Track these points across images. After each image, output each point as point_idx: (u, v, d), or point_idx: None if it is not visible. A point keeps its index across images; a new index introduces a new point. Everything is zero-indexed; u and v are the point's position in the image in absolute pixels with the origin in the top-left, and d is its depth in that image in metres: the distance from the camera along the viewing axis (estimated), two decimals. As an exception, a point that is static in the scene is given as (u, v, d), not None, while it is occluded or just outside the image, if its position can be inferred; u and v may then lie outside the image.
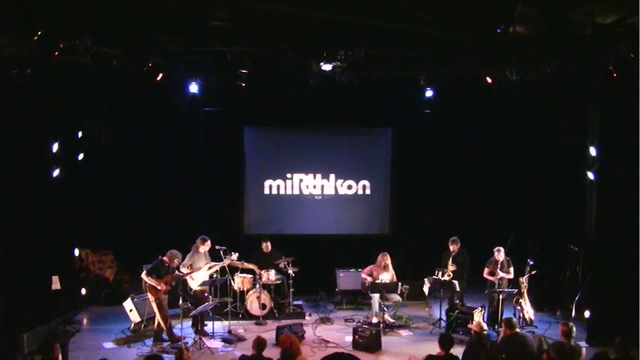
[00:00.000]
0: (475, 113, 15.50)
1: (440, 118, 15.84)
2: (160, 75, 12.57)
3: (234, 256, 12.67)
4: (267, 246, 14.33)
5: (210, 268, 12.56)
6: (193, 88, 13.46)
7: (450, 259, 13.21)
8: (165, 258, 11.74)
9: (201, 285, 12.48)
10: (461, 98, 14.79)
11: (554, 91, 13.10)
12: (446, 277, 13.06)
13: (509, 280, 12.80)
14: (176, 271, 11.80)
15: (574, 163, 13.08)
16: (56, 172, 12.56)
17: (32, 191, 11.57)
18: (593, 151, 12.02)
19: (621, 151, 11.44)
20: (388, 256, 13.30)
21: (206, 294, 12.75)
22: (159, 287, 11.56)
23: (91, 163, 14.16)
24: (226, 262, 12.56)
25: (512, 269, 12.79)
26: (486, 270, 12.91)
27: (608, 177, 11.74)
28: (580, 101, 12.64)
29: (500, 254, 12.67)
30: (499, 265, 12.61)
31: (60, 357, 8.18)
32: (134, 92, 13.82)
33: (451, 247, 13.31)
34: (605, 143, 11.78)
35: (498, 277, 12.56)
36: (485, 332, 9.59)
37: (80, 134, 13.59)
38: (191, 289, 12.30)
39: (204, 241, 12.52)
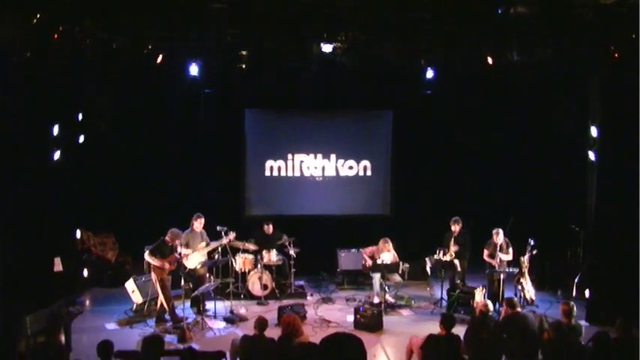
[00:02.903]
0: (476, 94, 15.47)
1: (441, 99, 15.81)
2: (160, 57, 12.54)
3: (232, 235, 12.69)
4: (268, 228, 14.35)
5: (206, 246, 12.59)
6: (193, 70, 13.45)
7: (452, 239, 13.23)
8: (167, 238, 11.75)
9: (202, 265, 12.52)
10: (462, 79, 14.75)
11: (555, 72, 13.06)
12: (447, 257, 13.09)
13: (509, 260, 12.83)
14: (174, 253, 11.81)
15: (575, 143, 13.06)
16: (57, 155, 12.54)
17: (33, 174, 11.55)
18: (594, 131, 12.01)
19: (622, 131, 11.42)
20: (390, 242, 13.29)
21: (207, 274, 12.82)
22: (163, 267, 11.59)
23: (91, 146, 14.12)
24: (224, 241, 12.59)
25: (511, 250, 12.82)
26: (486, 252, 12.93)
27: (609, 157, 11.74)
28: (581, 82, 12.60)
29: (498, 236, 12.68)
30: (498, 248, 12.63)
31: (63, 338, 8.21)
32: (134, 74, 13.79)
33: (453, 228, 13.32)
34: (606, 123, 11.77)
35: (498, 259, 12.59)
36: (490, 312, 9.61)
37: (80, 117, 13.54)
38: (186, 268, 12.30)
39: (197, 218, 12.60)
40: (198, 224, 12.61)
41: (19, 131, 11.04)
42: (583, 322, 11.18)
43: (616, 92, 11.57)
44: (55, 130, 12.42)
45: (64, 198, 12.91)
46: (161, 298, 11.74)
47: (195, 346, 10.19)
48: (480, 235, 13.32)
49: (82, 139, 13.64)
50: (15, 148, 10.93)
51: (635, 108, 10.70)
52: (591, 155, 12.19)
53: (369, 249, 13.57)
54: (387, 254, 13.15)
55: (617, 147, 11.60)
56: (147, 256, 11.76)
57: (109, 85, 14.04)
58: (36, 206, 11.61)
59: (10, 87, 10.70)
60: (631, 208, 11.12)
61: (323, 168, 16.56)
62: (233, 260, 13.27)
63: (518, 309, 9.65)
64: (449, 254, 13.13)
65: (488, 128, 15.92)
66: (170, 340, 10.74)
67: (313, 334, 10.76)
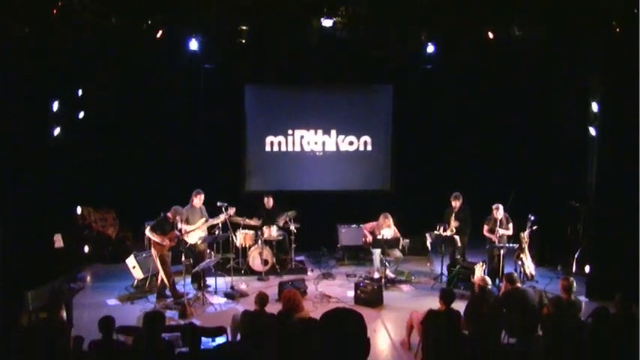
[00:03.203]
0: (476, 69, 15.39)
1: (441, 74, 15.73)
2: (160, 32, 12.47)
3: (232, 211, 12.70)
4: (269, 201, 14.36)
5: (206, 222, 12.60)
6: (193, 45, 13.37)
7: (453, 215, 13.23)
8: (169, 214, 11.77)
9: (202, 241, 12.55)
10: (462, 54, 14.67)
11: (556, 47, 12.99)
12: (448, 233, 13.11)
13: (509, 235, 12.85)
14: (175, 230, 11.81)
15: (575, 118, 13.02)
16: (57, 131, 12.50)
17: (33, 150, 11.52)
18: (594, 106, 11.96)
19: (622, 106, 11.37)
20: (390, 217, 13.29)
21: (207, 250, 12.85)
22: (164, 243, 11.61)
23: (91, 122, 14.09)
24: (223, 217, 12.59)
25: (511, 225, 12.84)
26: (486, 227, 12.95)
27: (610, 133, 11.69)
28: (581, 57, 12.53)
29: (498, 212, 12.70)
30: (498, 223, 12.64)
31: (64, 314, 8.24)
32: (134, 50, 13.71)
33: (453, 203, 13.32)
34: (607, 99, 11.71)
35: (498, 235, 12.60)
36: (489, 287, 9.64)
37: (80, 93, 13.49)
38: (186, 244, 12.32)
39: (197, 194, 12.61)
40: (198, 200, 12.63)
41: (19, 108, 11.00)
42: (583, 298, 11.23)
43: (616, 68, 11.49)
44: (55, 106, 12.37)
45: (64, 174, 12.89)
46: (161, 274, 11.77)
47: (196, 321, 10.23)
48: (480, 210, 13.33)
49: (82, 115, 13.59)
50: (15, 125, 10.89)
51: (636, 83, 10.65)
52: (592, 131, 12.14)
53: (370, 224, 13.58)
54: (388, 230, 13.17)
55: (618, 123, 11.54)
56: (147, 232, 11.78)
57: (109, 61, 13.97)
58: (36, 183, 11.59)
59: (9, 63, 10.66)
60: (631, 184, 11.09)
61: (323, 143, 16.53)
62: (233, 236, 13.29)
63: (518, 284, 9.67)
64: (449, 230, 13.14)
65: (488, 103, 15.86)
66: (171, 315, 10.80)
67: (314, 310, 10.81)
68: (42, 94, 11.91)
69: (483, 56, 14.46)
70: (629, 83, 10.92)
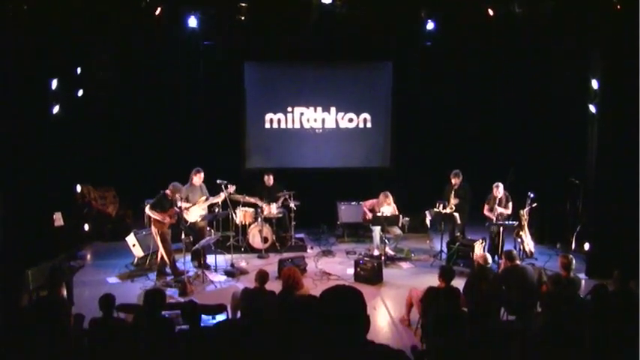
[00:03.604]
0: (476, 47, 15.30)
1: (441, 51, 15.65)
2: (159, 9, 12.40)
3: (232, 188, 12.69)
4: (269, 179, 14.36)
5: (206, 200, 12.60)
6: (192, 22, 13.31)
7: (452, 192, 13.23)
8: (167, 191, 11.75)
9: (202, 219, 12.55)
10: (462, 31, 14.60)
11: (556, 25, 12.92)
12: (447, 210, 13.11)
13: (508, 214, 12.86)
14: (174, 207, 11.80)
15: (575, 95, 12.98)
16: (56, 109, 12.47)
17: (32, 128, 11.50)
18: (594, 83, 11.92)
19: (623, 83, 11.33)
20: (390, 196, 13.30)
21: (207, 228, 12.86)
22: (164, 221, 11.61)
23: (90, 99, 14.04)
24: (223, 195, 12.60)
25: (510, 204, 12.84)
26: (486, 207, 12.98)
27: (610, 110, 11.66)
28: (582, 34, 12.47)
29: (498, 190, 12.71)
30: (497, 201, 12.65)
31: (65, 293, 8.25)
32: (132, 27, 13.64)
33: (453, 181, 13.31)
34: (607, 76, 11.66)
35: (496, 212, 12.61)
36: (489, 265, 9.65)
37: (79, 70, 13.44)
38: (186, 222, 12.33)
39: (197, 173, 12.56)
40: (198, 178, 12.59)
41: (18, 86, 10.97)
42: (582, 276, 11.26)
43: (617, 45, 11.43)
44: (54, 84, 12.33)
45: (63, 152, 12.88)
46: (161, 251, 11.78)
47: (196, 299, 10.26)
48: (480, 187, 13.34)
49: (80, 92, 13.55)
50: (14, 103, 10.87)
51: (636, 61, 10.60)
52: (592, 108, 12.10)
53: (369, 202, 13.61)
54: (388, 208, 13.18)
55: (618, 100, 11.50)
56: (147, 210, 11.77)
57: (108, 38, 13.91)
58: (36, 161, 11.58)
59: (8, 41, 10.61)
60: (631, 162, 11.08)
61: (323, 120, 16.51)
62: (233, 213, 13.30)
63: (518, 262, 9.72)
64: (449, 207, 13.15)
65: (488, 81, 15.80)
66: (171, 293, 10.82)
67: (314, 287, 10.86)
68: (41, 72, 11.87)
69: (483, 33, 14.38)
70: (629, 61, 10.87)
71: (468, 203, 13.37)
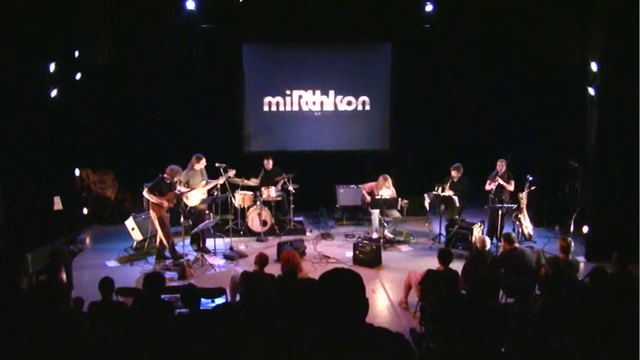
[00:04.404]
0: (476, 28, 15.27)
1: (440, 33, 15.61)
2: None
3: (232, 173, 12.69)
4: (268, 163, 14.34)
5: (206, 185, 12.59)
6: (190, 4, 13.30)
7: (449, 183, 13.14)
8: (165, 175, 11.73)
9: (201, 202, 12.54)
10: (461, 13, 14.55)
11: (556, 6, 12.88)
12: (446, 193, 13.08)
13: (509, 194, 12.84)
14: (175, 191, 11.78)
15: (575, 78, 12.95)
16: (54, 93, 12.42)
17: (30, 112, 11.46)
18: (594, 66, 11.88)
19: (622, 66, 11.29)
20: (389, 179, 13.29)
21: (206, 211, 12.86)
22: (162, 204, 11.59)
23: (88, 83, 14.00)
24: (223, 179, 12.58)
25: (512, 182, 12.82)
26: (488, 182, 12.96)
27: (609, 92, 11.62)
28: (582, 16, 12.42)
29: (502, 165, 12.72)
30: (499, 174, 12.67)
31: (64, 276, 8.27)
32: (130, 11, 13.58)
33: (453, 173, 13.25)
34: (607, 58, 11.62)
35: (496, 183, 12.59)
36: (487, 249, 9.67)
37: (77, 54, 13.39)
38: (187, 206, 12.33)
39: (199, 159, 12.52)
40: (200, 165, 12.53)
41: (16, 70, 10.93)
42: (581, 258, 11.26)
43: (617, 27, 11.39)
44: (52, 67, 12.29)
45: (62, 136, 12.86)
46: (160, 235, 11.78)
47: (196, 283, 10.27)
48: (478, 170, 13.36)
49: (78, 76, 13.50)
50: (12, 87, 10.83)
51: (636, 44, 10.56)
52: (591, 91, 12.07)
53: (368, 185, 13.61)
54: (386, 191, 13.17)
55: (617, 83, 11.47)
56: (145, 194, 11.74)
57: (105, 21, 13.85)
58: (34, 145, 11.56)
59: (5, 24, 10.56)
60: (630, 144, 11.07)
61: (322, 103, 16.47)
62: (232, 197, 13.30)
63: (516, 244, 9.73)
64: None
65: (487, 64, 15.74)
66: (170, 276, 10.84)
67: (312, 270, 10.90)
68: (38, 56, 11.82)
69: (482, 15, 14.34)
70: (629, 43, 10.83)
71: (466, 196, 13.31)
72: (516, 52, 15.16)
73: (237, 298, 8.83)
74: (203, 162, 12.57)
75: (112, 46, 14.55)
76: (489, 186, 12.89)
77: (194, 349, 6.07)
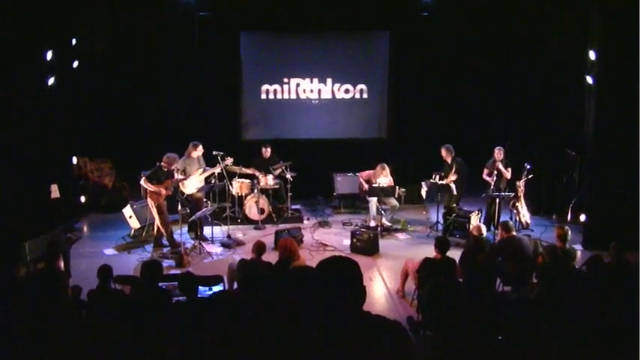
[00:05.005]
0: (474, 16, 15.22)
1: (438, 22, 15.56)
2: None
3: (229, 160, 12.68)
4: (266, 151, 14.33)
5: (203, 172, 12.57)
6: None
7: (453, 168, 13.13)
8: (163, 163, 11.70)
9: (199, 190, 12.54)
10: (459, 1, 14.51)
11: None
12: (444, 181, 13.07)
13: (507, 182, 12.85)
14: (171, 179, 11.77)
15: (573, 67, 12.94)
16: (51, 81, 12.37)
17: (28, 100, 11.42)
18: (592, 54, 11.87)
19: (621, 54, 11.27)
20: (387, 167, 13.29)
21: (204, 199, 12.86)
22: (160, 193, 11.58)
23: (86, 71, 13.95)
24: (219, 167, 12.57)
25: (510, 169, 12.82)
26: (485, 171, 12.97)
27: (607, 81, 11.61)
28: (580, 4, 12.39)
29: (500, 153, 12.72)
30: (498, 163, 12.67)
31: (62, 264, 8.26)
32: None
33: (443, 153, 13.21)
34: (605, 47, 11.60)
35: (495, 174, 12.58)
36: (484, 236, 9.68)
37: (74, 41, 13.34)
38: (184, 194, 12.34)
39: (195, 147, 12.50)
40: (197, 152, 12.52)
41: (13, 58, 10.89)
42: (578, 247, 11.27)
43: (615, 14, 11.36)
44: (49, 55, 12.24)
45: (59, 124, 12.81)
46: (158, 223, 11.78)
47: (193, 270, 10.27)
48: (476, 159, 13.34)
49: (76, 64, 13.46)
50: (9, 76, 10.80)
51: (635, 30, 10.54)
52: (589, 79, 12.05)
53: (366, 173, 13.61)
54: (384, 179, 13.18)
55: (615, 71, 11.45)
56: (142, 182, 11.73)
57: (103, 9, 13.79)
58: (31, 133, 11.52)
59: (1, 13, 10.51)
60: (628, 133, 11.07)
61: (319, 91, 16.45)
62: (230, 185, 13.30)
63: (514, 233, 9.75)
64: (447, 181, 13.13)
65: (485, 52, 15.70)
66: (168, 264, 10.86)
67: (310, 258, 10.89)
68: (35, 44, 11.76)
69: (480, 3, 14.30)
70: (628, 31, 10.81)
71: (465, 178, 13.31)
72: (514, 40, 15.11)
73: (235, 285, 8.85)
74: (200, 149, 12.55)
75: (110, 34, 14.48)
76: (487, 177, 12.88)
77: (192, 336, 6.09)
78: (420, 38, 15.86)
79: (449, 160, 13.14)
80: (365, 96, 16.56)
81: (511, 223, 10.15)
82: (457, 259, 8.93)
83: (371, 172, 13.46)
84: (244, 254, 10.76)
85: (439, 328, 7.01)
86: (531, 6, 13.80)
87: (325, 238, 12.79)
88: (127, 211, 12.67)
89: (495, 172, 12.61)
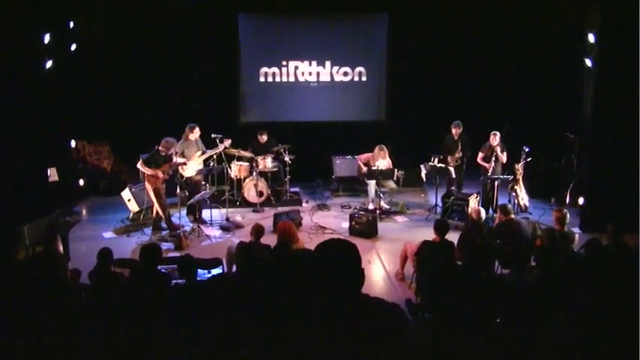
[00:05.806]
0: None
1: (437, 4, 15.48)
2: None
3: (227, 142, 12.66)
4: (262, 137, 14.30)
5: (202, 154, 12.56)
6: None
7: (459, 146, 13.14)
8: (160, 147, 11.68)
9: (197, 173, 12.53)
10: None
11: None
12: (453, 158, 13.11)
13: (503, 166, 12.87)
14: (169, 163, 11.75)
15: (572, 49, 12.90)
16: (49, 64, 12.32)
17: (26, 84, 11.38)
18: (591, 37, 11.83)
19: (620, 37, 11.24)
20: (385, 149, 13.27)
21: (202, 182, 12.85)
22: (158, 176, 11.56)
23: (83, 54, 13.90)
24: (218, 149, 12.55)
25: (505, 154, 12.83)
26: (480, 155, 12.97)
27: (606, 64, 11.58)
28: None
29: (495, 138, 12.71)
30: (494, 150, 12.65)
31: (61, 247, 8.27)
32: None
33: (453, 131, 13.29)
34: (604, 30, 11.56)
35: (493, 161, 12.59)
36: (482, 220, 9.69)
37: (72, 24, 13.28)
38: (183, 177, 12.33)
39: (192, 129, 12.45)
40: (194, 134, 12.49)
41: (10, 41, 10.85)
42: (576, 230, 11.27)
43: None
44: (47, 38, 12.19)
45: (57, 108, 12.77)
46: (156, 206, 11.79)
47: (192, 253, 10.28)
48: (475, 141, 13.35)
49: (74, 47, 13.40)
50: (6, 59, 10.76)
51: (634, 14, 10.51)
52: (588, 62, 12.02)
53: (364, 156, 13.60)
54: (383, 161, 13.16)
55: (614, 54, 11.42)
56: (139, 166, 11.73)
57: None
58: (29, 117, 11.50)
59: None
60: (627, 116, 11.06)
61: (318, 74, 16.43)
62: (228, 168, 13.29)
63: (512, 216, 9.74)
64: (453, 160, 13.14)
65: (484, 35, 15.65)
66: (167, 247, 10.87)
67: (309, 241, 10.90)
68: (33, 27, 11.71)
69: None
70: (627, 14, 10.77)
71: (468, 152, 13.37)
72: (514, 23, 15.05)
73: (234, 268, 8.86)
74: (197, 131, 12.50)
75: (108, 17, 14.43)
76: (482, 162, 12.89)
77: (191, 319, 6.10)
78: (419, 20, 15.78)
79: (456, 135, 13.18)
80: (364, 78, 16.54)
81: (509, 206, 10.16)
82: (456, 242, 8.93)
83: (369, 154, 13.45)
84: (243, 237, 10.75)
85: (438, 311, 7.02)
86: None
87: (324, 220, 12.80)
88: (126, 194, 12.67)
89: (493, 157, 12.61)
